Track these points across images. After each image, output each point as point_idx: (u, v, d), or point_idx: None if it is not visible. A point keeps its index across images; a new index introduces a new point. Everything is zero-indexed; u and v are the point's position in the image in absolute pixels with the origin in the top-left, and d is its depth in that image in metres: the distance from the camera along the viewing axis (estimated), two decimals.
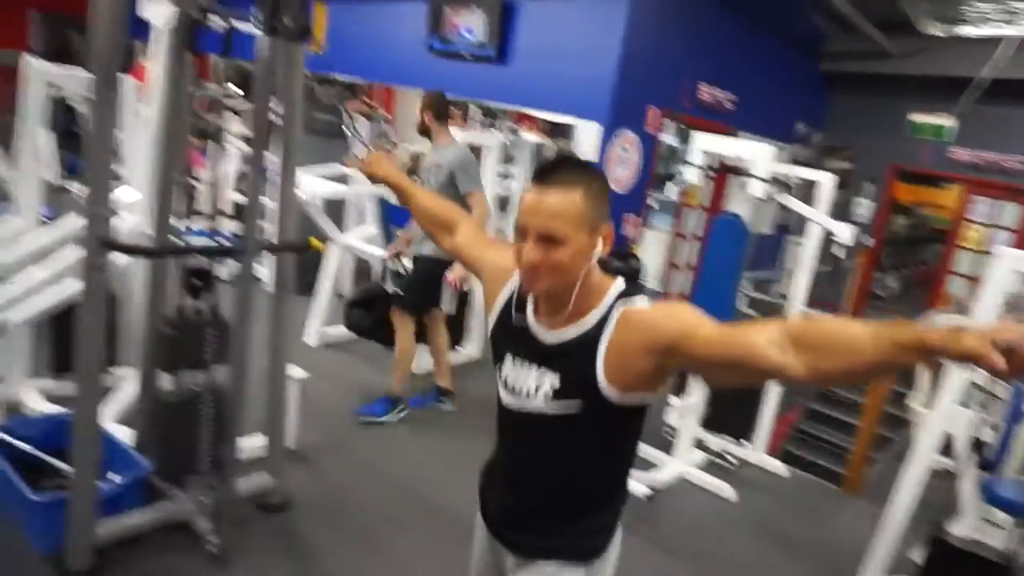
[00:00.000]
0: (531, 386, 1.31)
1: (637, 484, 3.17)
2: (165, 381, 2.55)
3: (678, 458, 3.65)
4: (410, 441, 3.63)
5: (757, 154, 3.31)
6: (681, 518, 3.37)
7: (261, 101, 2.37)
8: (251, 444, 2.89)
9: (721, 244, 3.44)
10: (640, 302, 1.26)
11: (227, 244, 2.49)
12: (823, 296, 4.90)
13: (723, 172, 3.58)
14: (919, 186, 9.97)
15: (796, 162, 5.71)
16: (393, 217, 5.88)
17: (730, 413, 3.93)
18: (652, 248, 6.71)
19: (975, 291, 2.81)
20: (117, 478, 2.49)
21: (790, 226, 7.26)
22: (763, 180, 3.22)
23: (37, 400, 3.10)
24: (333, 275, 4.74)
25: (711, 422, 3.93)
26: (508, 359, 1.36)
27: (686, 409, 3.60)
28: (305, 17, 2.35)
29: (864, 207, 7.74)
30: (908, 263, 10.17)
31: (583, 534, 1.36)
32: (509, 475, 1.44)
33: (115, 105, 2.15)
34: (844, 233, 3.51)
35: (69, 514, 2.27)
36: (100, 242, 2.13)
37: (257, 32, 2.28)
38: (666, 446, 3.72)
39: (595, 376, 1.23)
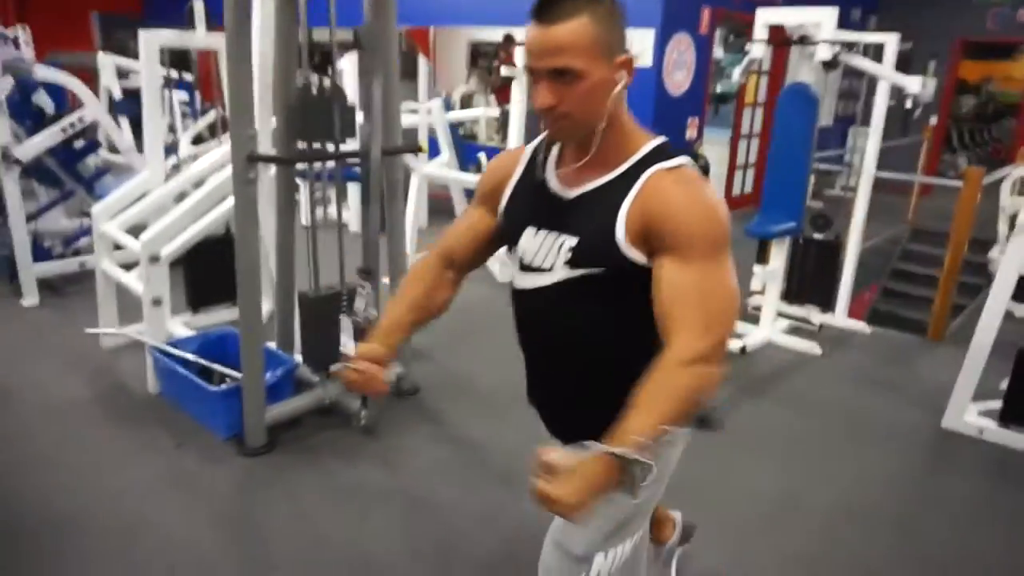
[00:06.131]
0: (549, 255, 1.16)
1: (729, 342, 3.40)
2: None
3: (763, 327, 3.85)
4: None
5: (821, 17, 3.38)
6: (771, 371, 3.62)
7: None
8: None
9: (790, 114, 3.52)
10: (678, 164, 1.11)
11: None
12: (895, 165, 4.92)
13: (785, 43, 3.65)
14: (986, 61, 9.67)
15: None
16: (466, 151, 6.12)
17: (811, 283, 4.08)
18: (711, 154, 6.78)
19: None
20: (275, 373, 2.86)
21: (856, 117, 7.19)
22: (830, 42, 3.28)
23: (183, 330, 3.51)
24: (414, 205, 5.02)
25: (792, 292, 4.09)
26: (525, 233, 1.21)
27: (769, 275, 3.76)
28: None
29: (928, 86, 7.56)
30: (979, 143, 9.90)
31: None
32: (535, 377, 1.32)
33: (247, 49, 2.42)
34: (914, 85, 3.49)
35: (245, 402, 2.66)
36: (247, 157, 2.45)
37: None
38: (752, 319, 3.94)
39: (614, 235, 1.09)
